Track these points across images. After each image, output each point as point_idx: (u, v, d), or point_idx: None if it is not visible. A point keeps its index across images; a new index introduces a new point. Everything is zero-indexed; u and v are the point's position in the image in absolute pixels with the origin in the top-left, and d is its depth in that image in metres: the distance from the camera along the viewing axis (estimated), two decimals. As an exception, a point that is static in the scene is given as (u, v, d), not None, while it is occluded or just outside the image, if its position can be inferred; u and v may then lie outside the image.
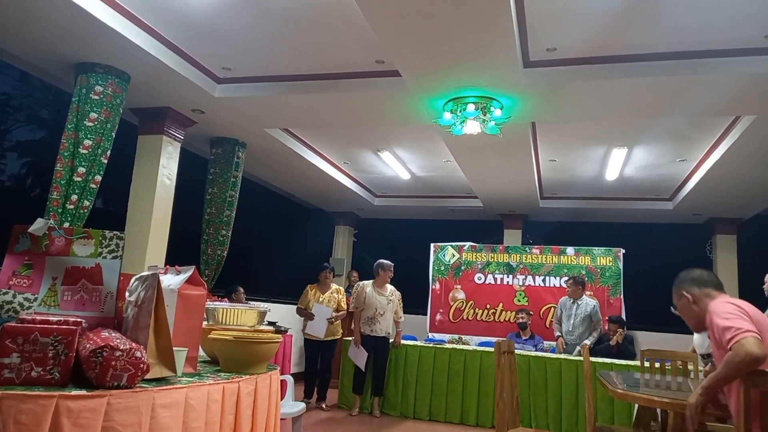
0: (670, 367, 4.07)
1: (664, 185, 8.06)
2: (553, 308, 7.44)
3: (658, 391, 2.94)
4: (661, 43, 4.31)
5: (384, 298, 6.01)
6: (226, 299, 6.09)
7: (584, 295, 6.43)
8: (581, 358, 5.43)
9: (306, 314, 6.04)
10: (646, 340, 7.94)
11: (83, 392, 1.33)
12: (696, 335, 4.84)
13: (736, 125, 5.59)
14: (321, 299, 6.02)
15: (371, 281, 6.17)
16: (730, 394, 2.16)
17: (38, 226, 1.70)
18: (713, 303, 2.29)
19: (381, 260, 6.17)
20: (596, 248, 7.86)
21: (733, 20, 3.95)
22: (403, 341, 6.36)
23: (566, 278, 6.73)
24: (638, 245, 8.51)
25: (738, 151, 5.91)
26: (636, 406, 4.42)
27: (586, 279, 7.72)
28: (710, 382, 2.13)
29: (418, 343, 6.46)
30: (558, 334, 6.45)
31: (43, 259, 1.70)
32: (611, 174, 7.48)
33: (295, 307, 6.27)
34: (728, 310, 2.16)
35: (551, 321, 7.17)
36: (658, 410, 3.64)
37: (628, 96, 4.88)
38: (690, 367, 4.04)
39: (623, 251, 7.78)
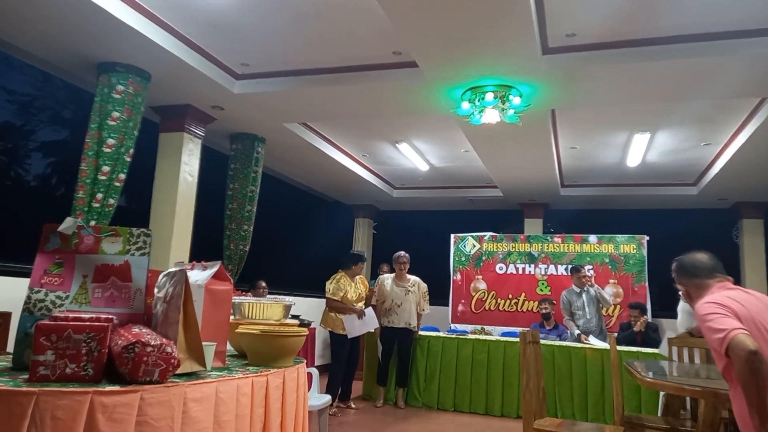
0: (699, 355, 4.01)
1: (688, 170, 7.91)
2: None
3: (688, 379, 2.90)
4: (682, 25, 4.22)
5: (402, 290, 6.00)
6: (249, 293, 6.14)
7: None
8: (607, 346, 5.39)
9: (353, 310, 5.51)
10: (671, 327, 7.84)
11: (117, 388, 1.36)
12: (679, 317, 4.80)
13: (762, 107, 5.46)
14: (356, 290, 5.66)
15: (393, 274, 6.19)
16: None
17: (68, 224, 1.72)
18: (698, 306, 2.16)
19: (396, 253, 6.17)
20: (619, 236, 7.76)
21: (757, -1, 3.85)
22: (425, 333, 6.37)
23: (577, 269, 6.52)
24: (662, 232, 8.37)
25: (765, 134, 5.77)
26: (662, 394, 4.37)
27: (610, 267, 7.66)
28: (752, 416, 1.86)
29: (441, 334, 6.46)
30: (578, 332, 6.13)
31: (73, 258, 1.73)
32: (633, 160, 7.37)
33: (315, 299, 6.09)
34: (709, 310, 2.03)
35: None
36: (687, 398, 3.59)
37: (649, 80, 4.79)
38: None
39: (647, 238, 7.67)
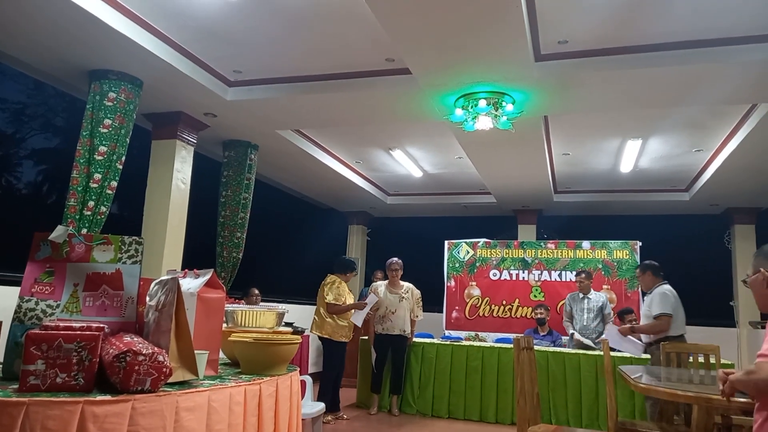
0: (691, 361, 4.02)
1: (680, 176, 7.96)
2: (570, 303, 7.38)
3: (681, 384, 2.90)
4: (674, 31, 4.26)
5: (396, 296, 5.99)
6: (242, 301, 6.11)
7: (592, 289, 6.38)
8: (600, 353, 5.39)
9: (355, 306, 5.56)
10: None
11: (108, 397, 1.34)
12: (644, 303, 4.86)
13: (752, 113, 5.51)
14: (349, 294, 5.67)
15: (386, 281, 6.17)
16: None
17: (59, 233, 1.71)
18: None
19: (389, 260, 6.17)
20: (612, 241, 7.79)
21: (747, 6, 3.88)
22: (419, 339, 6.35)
23: (578, 273, 6.55)
24: (655, 237, 8.40)
25: (756, 140, 5.82)
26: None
27: (603, 273, 7.67)
28: (739, 378, 1.86)
29: (435, 340, 6.44)
30: (572, 331, 6.21)
31: (64, 266, 1.71)
32: (626, 166, 7.41)
33: (309, 306, 6.06)
34: None
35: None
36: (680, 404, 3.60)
37: (641, 87, 4.83)
38: (712, 360, 3.99)
39: (640, 244, 7.70)
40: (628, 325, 5.02)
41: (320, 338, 5.59)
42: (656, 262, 4.97)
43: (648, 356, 4.99)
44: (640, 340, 5.00)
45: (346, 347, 5.69)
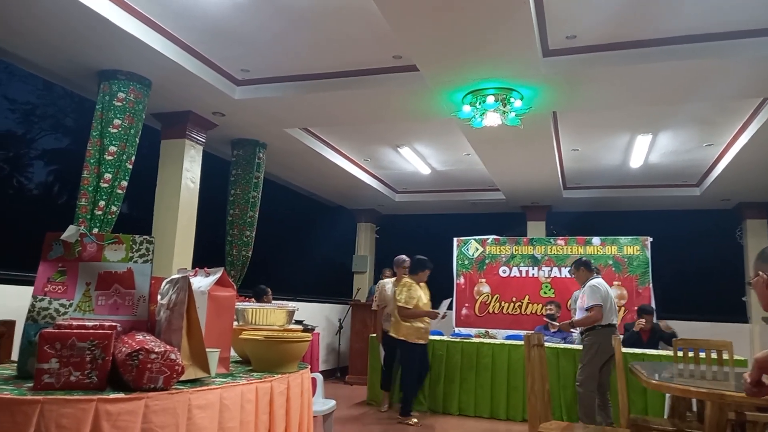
0: (704, 357, 4.00)
1: (690, 171, 7.90)
2: (580, 299, 7.35)
3: (694, 381, 2.88)
4: (683, 26, 4.22)
5: None
6: (253, 299, 6.13)
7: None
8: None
9: (429, 314, 5.54)
10: (676, 329, 7.80)
11: (121, 395, 1.35)
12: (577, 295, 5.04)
13: (763, 107, 5.45)
14: (426, 294, 5.65)
15: (394, 278, 6.16)
16: None
17: (71, 232, 1.72)
18: None
19: (397, 257, 6.14)
20: (623, 237, 7.74)
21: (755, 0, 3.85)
22: (429, 336, 6.33)
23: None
24: (666, 233, 8.35)
25: (767, 134, 5.76)
26: (668, 396, 4.35)
27: (614, 269, 7.61)
28: (763, 352, 1.84)
29: (445, 338, 6.44)
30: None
31: (76, 265, 1.72)
32: (636, 161, 7.35)
33: (318, 304, 6.06)
34: None
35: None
36: (693, 400, 3.57)
37: (650, 82, 4.79)
38: (725, 356, 3.96)
39: (650, 239, 7.65)
40: (567, 321, 5.28)
41: (397, 340, 5.54)
42: (591, 259, 5.52)
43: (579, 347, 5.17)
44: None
45: (425, 348, 5.65)
